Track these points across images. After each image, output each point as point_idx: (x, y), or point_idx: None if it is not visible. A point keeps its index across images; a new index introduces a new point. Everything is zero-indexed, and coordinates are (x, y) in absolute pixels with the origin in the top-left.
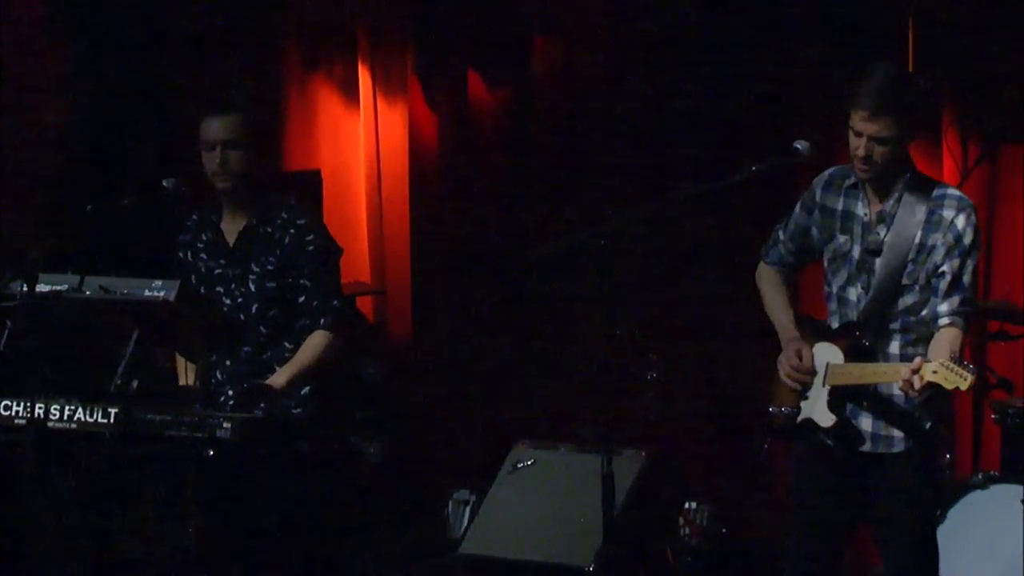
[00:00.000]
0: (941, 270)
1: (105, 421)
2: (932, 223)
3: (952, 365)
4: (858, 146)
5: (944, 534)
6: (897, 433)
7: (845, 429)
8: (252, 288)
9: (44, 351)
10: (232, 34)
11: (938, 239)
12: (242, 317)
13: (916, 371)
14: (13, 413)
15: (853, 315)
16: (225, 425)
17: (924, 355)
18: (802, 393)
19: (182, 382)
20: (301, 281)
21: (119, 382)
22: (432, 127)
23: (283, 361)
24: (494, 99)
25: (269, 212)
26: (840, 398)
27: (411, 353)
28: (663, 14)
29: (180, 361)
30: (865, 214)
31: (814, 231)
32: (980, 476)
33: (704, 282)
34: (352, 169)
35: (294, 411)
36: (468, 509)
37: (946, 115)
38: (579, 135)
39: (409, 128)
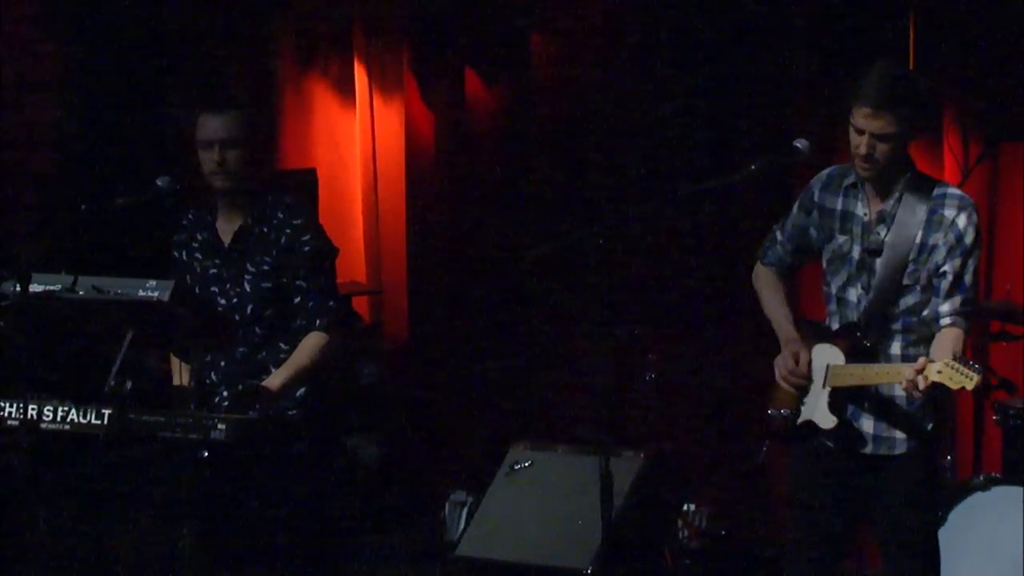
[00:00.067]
0: (942, 270)
1: (99, 422)
2: (933, 223)
3: (957, 365)
4: (860, 144)
5: (945, 536)
6: (899, 435)
7: (846, 431)
8: (247, 288)
9: (37, 351)
10: (227, 32)
11: (939, 239)
12: (237, 317)
13: (920, 371)
14: (6, 414)
15: (853, 316)
16: (220, 426)
17: (925, 355)
18: (801, 395)
19: (176, 383)
20: (297, 282)
21: (113, 383)
22: (429, 125)
23: (278, 362)
24: (491, 97)
25: (265, 212)
26: (841, 400)
27: (407, 353)
28: (661, 12)
29: (174, 362)
30: (865, 214)
31: (812, 231)
32: (981, 478)
33: (703, 282)
34: (348, 168)
35: (289, 412)
36: (465, 511)
37: (947, 114)
38: (577, 134)
39: (405, 127)
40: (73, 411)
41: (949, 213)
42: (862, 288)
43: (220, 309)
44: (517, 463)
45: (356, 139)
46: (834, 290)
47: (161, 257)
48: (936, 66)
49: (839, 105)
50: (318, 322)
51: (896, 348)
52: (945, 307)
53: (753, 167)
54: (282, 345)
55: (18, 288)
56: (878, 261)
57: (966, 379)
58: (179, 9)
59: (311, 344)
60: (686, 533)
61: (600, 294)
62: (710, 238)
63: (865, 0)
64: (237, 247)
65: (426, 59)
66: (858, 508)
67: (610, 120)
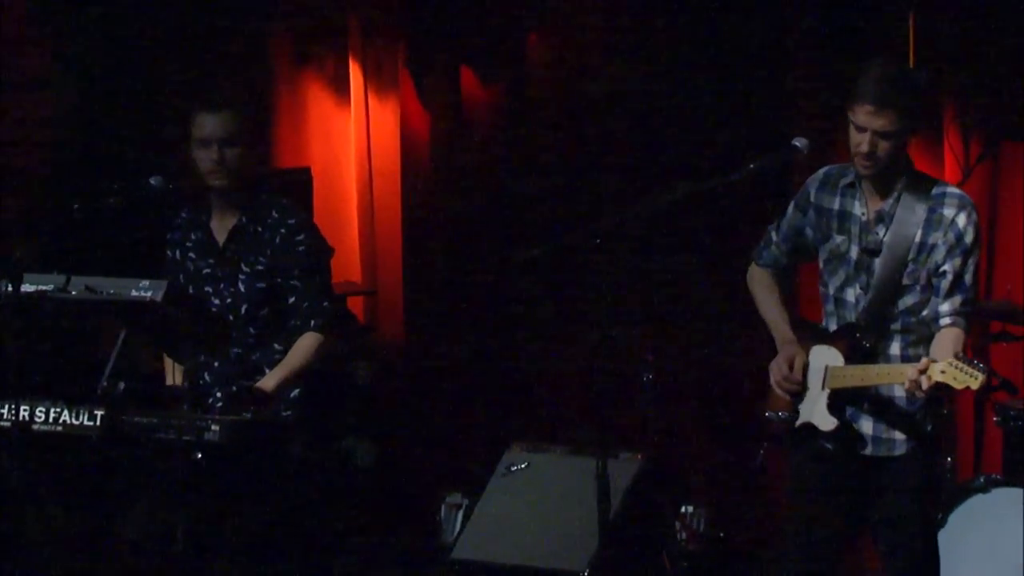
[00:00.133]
0: (942, 269)
1: (91, 424)
2: (932, 222)
3: (961, 364)
4: (861, 142)
5: (945, 538)
6: (899, 436)
7: (846, 433)
8: (241, 288)
9: (29, 352)
10: (221, 29)
11: (939, 238)
12: (231, 318)
13: (923, 371)
14: None
15: (851, 316)
16: (213, 428)
17: (925, 356)
18: (799, 397)
19: (169, 383)
20: (291, 282)
21: (105, 384)
22: (424, 124)
23: (272, 363)
24: (487, 95)
25: (259, 211)
26: (840, 401)
27: (402, 354)
28: (658, 10)
29: (168, 362)
30: (863, 213)
31: (809, 231)
32: (982, 479)
33: (702, 282)
34: (343, 167)
35: (284, 414)
36: (461, 513)
37: (947, 113)
38: (574, 132)
39: (401, 125)
40: (65, 412)
41: (949, 212)
42: (860, 288)
43: (214, 309)
44: (513, 465)
45: (351, 138)
46: (831, 291)
47: (154, 257)
48: (936, 66)
49: (839, 104)
50: (313, 322)
51: (895, 348)
52: (945, 307)
53: (752, 166)
54: (276, 346)
55: (10, 288)
56: (877, 261)
57: (971, 378)
58: (173, 6)
59: (306, 345)
60: (684, 535)
61: (598, 294)
62: (709, 238)
63: (865, 0)
64: (231, 247)
65: (422, 57)
66: (857, 510)
67: (607, 119)
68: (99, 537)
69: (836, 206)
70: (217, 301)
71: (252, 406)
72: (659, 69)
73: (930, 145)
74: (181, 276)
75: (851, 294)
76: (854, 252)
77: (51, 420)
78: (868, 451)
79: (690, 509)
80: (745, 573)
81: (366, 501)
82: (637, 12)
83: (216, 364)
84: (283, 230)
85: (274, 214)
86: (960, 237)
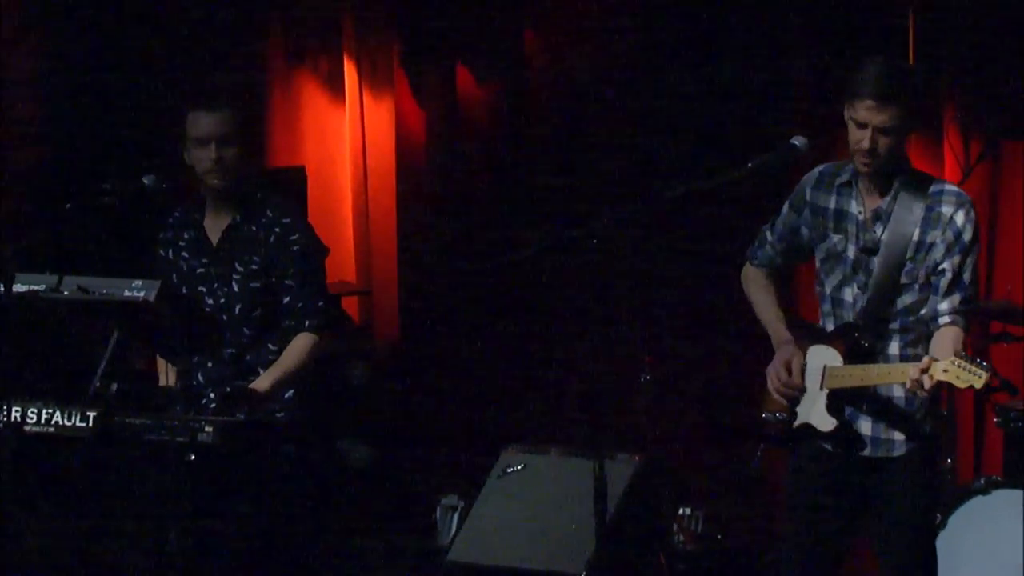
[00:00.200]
0: (941, 268)
1: (84, 424)
2: (930, 220)
3: (964, 363)
4: (862, 138)
5: (945, 540)
6: (898, 436)
7: (845, 433)
8: (235, 288)
9: (21, 353)
10: (214, 26)
11: (937, 236)
12: (225, 318)
13: (925, 370)
14: None
15: (849, 316)
16: (207, 429)
17: (925, 355)
18: (797, 398)
19: (163, 384)
20: (286, 282)
21: (98, 384)
22: (420, 123)
23: (266, 363)
24: (483, 94)
25: (254, 211)
26: (839, 402)
27: (398, 354)
28: (656, 8)
29: (161, 363)
30: (860, 212)
31: (804, 231)
32: (982, 481)
33: (699, 283)
34: (337, 166)
35: (278, 415)
36: (456, 515)
37: (947, 112)
38: (570, 131)
39: (396, 124)
40: (58, 413)
41: (947, 210)
42: (858, 288)
43: (207, 309)
44: (509, 466)
45: (346, 136)
46: (829, 290)
47: (147, 256)
48: (936, 65)
49: (838, 102)
50: (307, 323)
51: (894, 348)
52: (944, 305)
53: (751, 165)
54: (270, 346)
55: (1, 288)
56: (875, 260)
57: (974, 377)
58: (166, 4)
59: (300, 345)
60: (681, 537)
61: (595, 295)
62: (707, 238)
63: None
64: (225, 246)
65: (417, 55)
66: (856, 511)
67: (604, 117)
68: (92, 539)
69: (832, 205)
70: (211, 301)
71: (246, 407)
72: (657, 67)
73: (930, 145)
74: (174, 276)
75: (849, 293)
76: (851, 251)
77: (43, 421)
78: (867, 452)
79: (688, 510)
80: (743, 575)
81: (361, 503)
82: (635, 10)
83: (209, 365)
84: (277, 229)
85: (268, 213)
86: (959, 235)
